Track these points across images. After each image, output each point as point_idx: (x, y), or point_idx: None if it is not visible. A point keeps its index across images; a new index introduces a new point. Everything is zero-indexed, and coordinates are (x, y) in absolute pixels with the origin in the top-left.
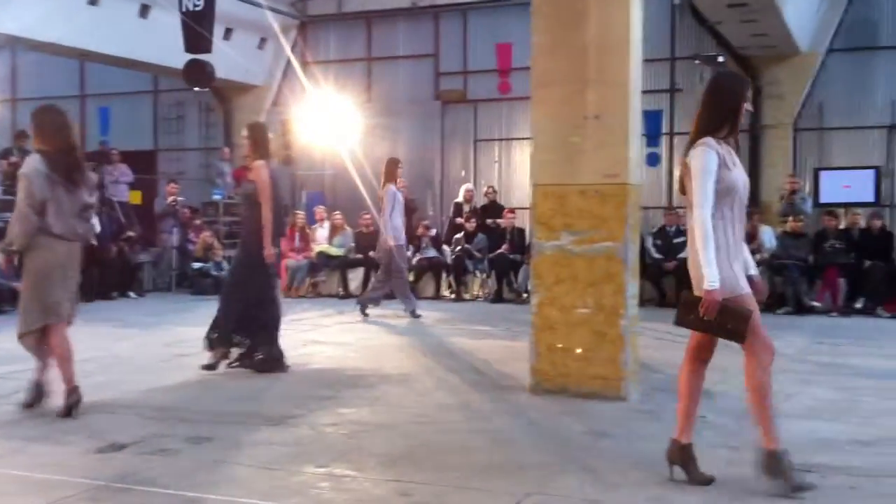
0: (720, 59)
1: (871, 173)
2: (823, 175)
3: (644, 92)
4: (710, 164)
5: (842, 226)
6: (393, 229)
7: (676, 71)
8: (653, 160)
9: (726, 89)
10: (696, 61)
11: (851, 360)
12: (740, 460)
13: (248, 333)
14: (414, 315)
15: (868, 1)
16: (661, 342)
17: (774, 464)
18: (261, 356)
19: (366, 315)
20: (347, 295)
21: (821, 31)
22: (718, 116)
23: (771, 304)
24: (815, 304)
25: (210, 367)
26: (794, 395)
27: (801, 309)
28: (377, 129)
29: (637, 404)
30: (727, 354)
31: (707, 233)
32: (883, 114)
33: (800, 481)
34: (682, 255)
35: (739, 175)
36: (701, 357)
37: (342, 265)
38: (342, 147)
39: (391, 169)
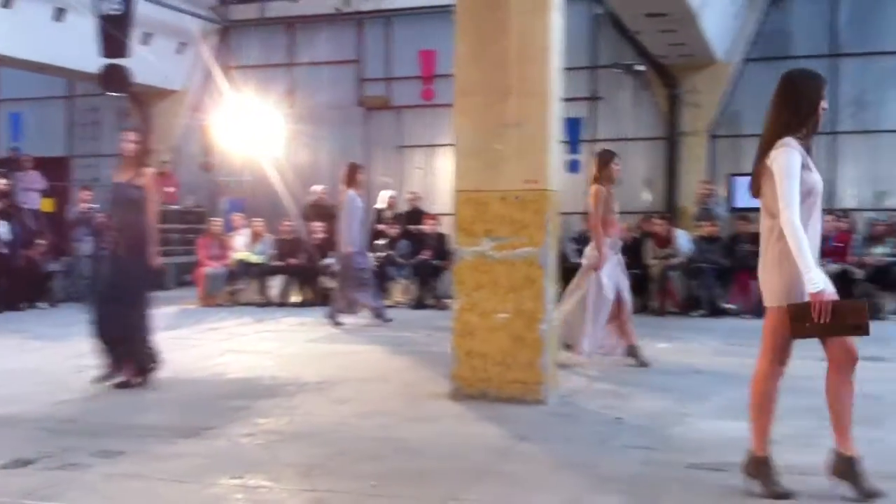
0: (639, 67)
1: None
2: (737, 180)
3: (565, 100)
4: (794, 164)
5: (755, 230)
6: (350, 236)
7: (597, 79)
8: (574, 167)
9: (803, 87)
10: (617, 70)
11: None
12: (655, 460)
13: (116, 344)
14: (384, 319)
15: (783, 12)
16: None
17: (849, 468)
18: (122, 378)
19: (339, 324)
20: (267, 303)
21: (737, 40)
22: (797, 116)
23: (686, 306)
24: (729, 306)
25: (105, 378)
26: (708, 395)
27: (716, 311)
28: (299, 134)
29: (556, 407)
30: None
31: (799, 236)
32: None
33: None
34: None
35: (818, 177)
36: (782, 360)
37: (262, 273)
38: (264, 153)
39: (352, 174)
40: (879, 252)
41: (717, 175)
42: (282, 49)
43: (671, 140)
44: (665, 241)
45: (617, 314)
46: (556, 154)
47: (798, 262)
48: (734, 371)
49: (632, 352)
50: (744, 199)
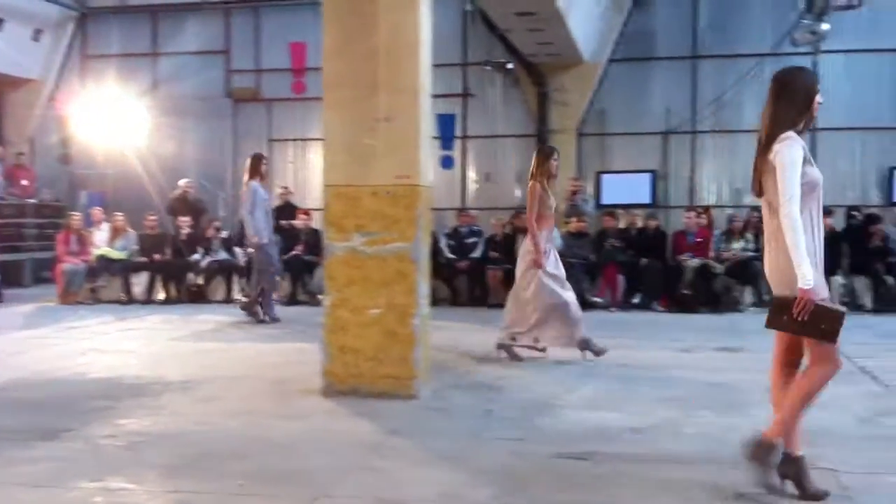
0: (509, 65)
1: (647, 176)
2: (605, 178)
3: (437, 96)
4: (798, 158)
5: (621, 226)
6: (255, 227)
7: (468, 76)
8: (447, 163)
9: (801, 82)
10: (487, 67)
11: (629, 353)
12: (524, 451)
13: None
14: (273, 320)
15: (645, 14)
16: (452, 340)
17: (765, 455)
18: None
19: (260, 319)
20: (130, 300)
21: (603, 41)
22: (795, 110)
23: None
24: (597, 299)
25: None
26: (576, 387)
27: (584, 305)
28: (165, 126)
29: (429, 402)
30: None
31: (798, 229)
32: (659, 120)
33: (780, 485)
34: (474, 255)
35: (819, 172)
36: (791, 360)
37: (124, 269)
38: (126, 145)
39: (255, 164)
40: (737, 247)
41: (584, 172)
42: (145, 38)
43: (541, 137)
44: None
45: None
46: (428, 150)
47: (792, 255)
48: (600, 363)
49: (521, 343)
50: (611, 196)
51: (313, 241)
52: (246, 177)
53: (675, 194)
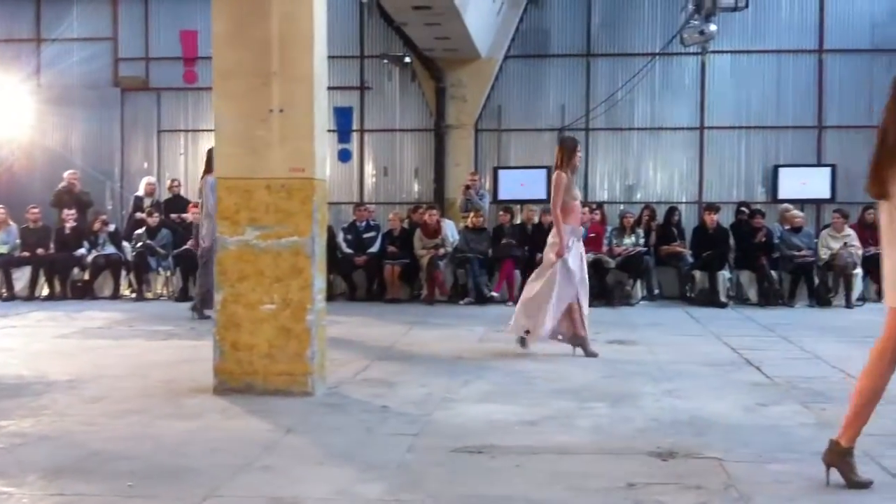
0: (407, 59)
1: (543, 172)
2: (501, 173)
3: (334, 88)
4: None
5: (517, 221)
6: (213, 225)
7: (365, 69)
8: (345, 156)
9: None
10: (385, 61)
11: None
12: (420, 446)
13: None
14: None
15: (540, 12)
16: (350, 335)
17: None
18: None
19: (206, 317)
20: (12, 296)
21: (499, 37)
22: None
23: (453, 295)
24: (494, 294)
25: None
26: (472, 381)
27: (482, 299)
28: (49, 115)
29: (324, 398)
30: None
31: None
32: (554, 117)
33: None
34: (372, 250)
35: None
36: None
37: (5, 264)
38: (7, 135)
39: (213, 159)
40: (629, 242)
41: (482, 167)
42: (28, 23)
43: (438, 132)
44: (433, 232)
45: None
46: (324, 142)
47: None
48: (497, 356)
49: (578, 342)
50: (508, 192)
51: None
52: (203, 171)
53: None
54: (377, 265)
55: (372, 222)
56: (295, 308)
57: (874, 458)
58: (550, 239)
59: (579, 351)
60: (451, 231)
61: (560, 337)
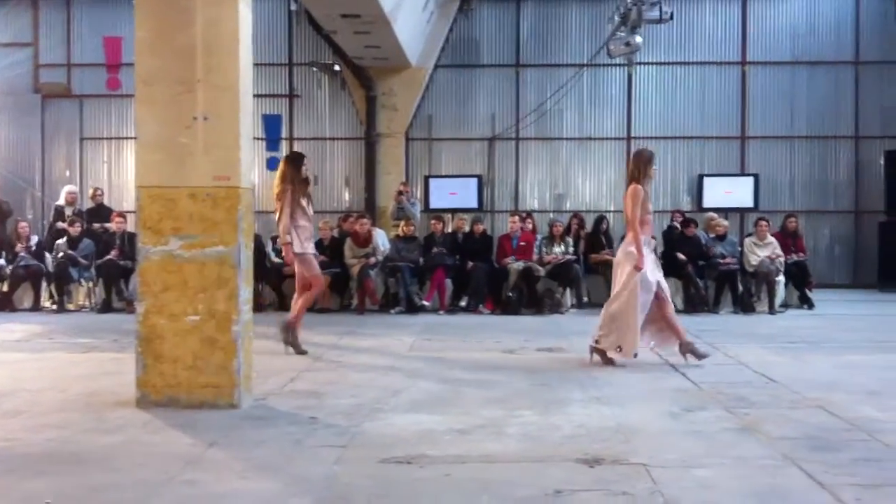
0: (336, 67)
1: (474, 181)
2: (432, 182)
3: (263, 96)
4: None
5: (448, 230)
6: None
7: (294, 77)
8: (273, 164)
9: None
10: (314, 68)
11: (455, 355)
12: (348, 458)
13: None
14: None
15: (470, 22)
16: (278, 347)
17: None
18: None
19: None
20: None
21: (429, 46)
22: None
23: (384, 304)
24: (425, 303)
25: None
26: (402, 390)
27: (413, 308)
28: None
29: (250, 410)
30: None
31: None
32: (484, 126)
33: None
34: None
35: None
36: None
37: None
38: None
39: None
40: (559, 251)
41: (412, 176)
42: None
43: (369, 141)
44: (364, 240)
45: (661, 312)
46: (249, 150)
47: None
48: (427, 365)
49: (686, 348)
50: (438, 201)
51: (129, 245)
52: None
53: (500, 199)
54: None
55: None
56: (220, 319)
57: (795, 461)
58: (625, 251)
59: (691, 359)
60: (381, 240)
61: (652, 345)
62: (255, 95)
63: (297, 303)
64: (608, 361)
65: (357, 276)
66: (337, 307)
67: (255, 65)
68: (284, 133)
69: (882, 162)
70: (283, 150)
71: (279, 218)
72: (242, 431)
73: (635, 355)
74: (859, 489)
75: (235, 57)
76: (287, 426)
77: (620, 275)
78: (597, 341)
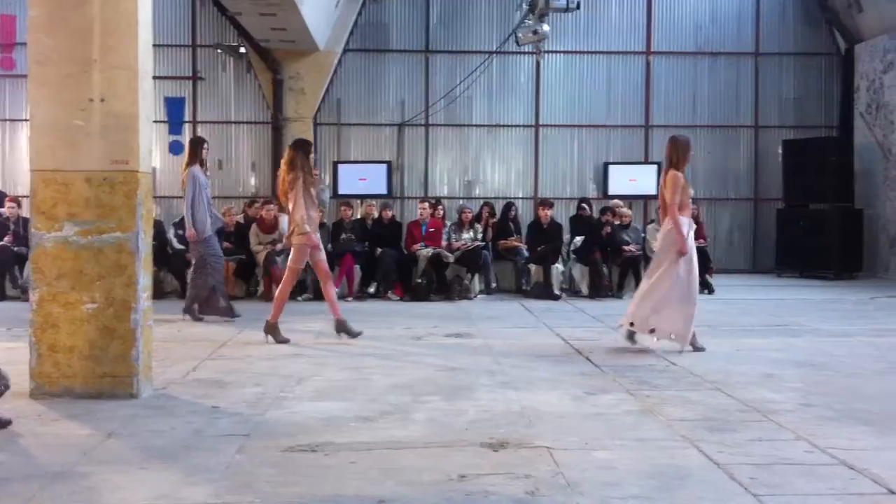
0: (242, 49)
1: (383, 167)
2: (341, 168)
3: (165, 78)
4: None
5: (357, 216)
6: (198, 219)
7: (198, 59)
8: (176, 148)
9: None
10: (219, 51)
11: (363, 342)
12: (251, 447)
13: None
14: (233, 315)
15: (379, 6)
16: (180, 335)
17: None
18: None
19: (199, 319)
20: None
21: (337, 30)
22: None
23: (293, 292)
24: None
25: None
26: (307, 378)
27: (321, 295)
28: None
29: (150, 400)
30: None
31: None
32: (394, 112)
33: None
34: None
35: None
36: None
37: None
38: None
39: (195, 149)
40: (468, 237)
41: (321, 162)
42: None
43: (276, 125)
44: (271, 227)
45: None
46: (149, 133)
47: None
48: (333, 352)
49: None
50: (348, 186)
51: (24, 231)
52: (185, 162)
53: (410, 185)
54: None
55: None
56: (118, 307)
57: (693, 441)
58: (664, 236)
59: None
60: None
61: (673, 336)
62: (156, 77)
63: (328, 294)
64: (634, 342)
65: (263, 262)
66: (242, 294)
67: (157, 46)
68: (187, 116)
69: (780, 151)
70: (186, 133)
71: (294, 208)
72: (142, 421)
73: (694, 345)
74: (753, 468)
75: (134, 37)
76: (188, 416)
77: (662, 260)
78: (632, 324)
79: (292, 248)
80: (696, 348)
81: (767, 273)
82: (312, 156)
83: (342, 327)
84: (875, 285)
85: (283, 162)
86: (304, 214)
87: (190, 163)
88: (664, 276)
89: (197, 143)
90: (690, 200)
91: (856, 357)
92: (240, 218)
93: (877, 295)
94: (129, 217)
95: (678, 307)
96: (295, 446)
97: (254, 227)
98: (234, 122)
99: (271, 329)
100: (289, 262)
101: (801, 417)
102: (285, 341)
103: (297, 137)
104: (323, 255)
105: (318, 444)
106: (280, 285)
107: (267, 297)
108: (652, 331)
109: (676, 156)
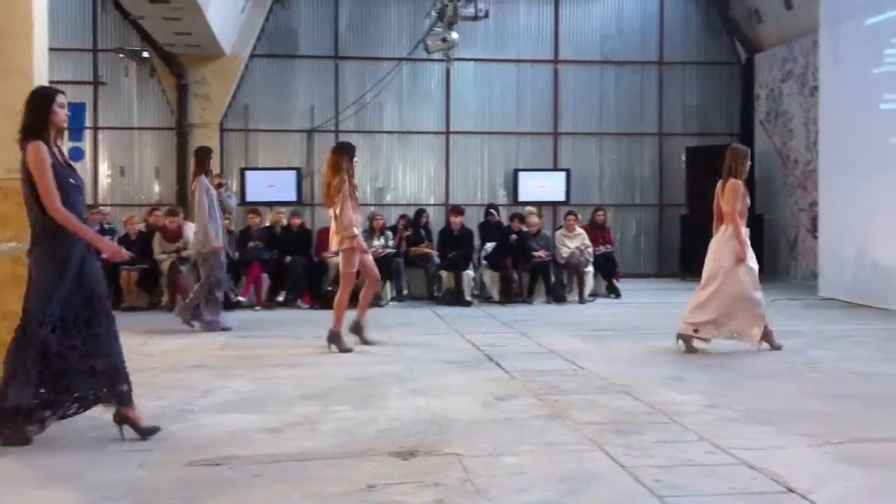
0: (145, 54)
1: (293, 174)
2: (249, 174)
3: (64, 83)
4: None
5: (266, 223)
6: (214, 229)
7: (99, 63)
8: (76, 155)
9: None
10: (121, 55)
11: (271, 352)
12: (153, 462)
13: None
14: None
15: (287, 10)
16: None
17: None
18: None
19: (192, 326)
20: None
21: (244, 35)
22: None
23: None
24: (241, 299)
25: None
26: (213, 390)
27: (229, 304)
28: None
29: None
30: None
31: None
32: (303, 118)
33: None
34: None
35: None
36: None
37: None
38: None
39: (203, 158)
40: (378, 244)
41: (228, 168)
42: None
43: (181, 131)
44: (175, 235)
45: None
46: None
47: None
48: (240, 363)
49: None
50: (256, 194)
51: None
52: (193, 173)
53: (319, 192)
54: (113, 271)
55: (107, 226)
56: (14, 320)
57: (600, 445)
58: (724, 243)
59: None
60: (193, 234)
61: (736, 335)
62: (54, 82)
63: (365, 295)
64: (692, 349)
65: (167, 272)
66: (146, 305)
67: (55, 49)
68: (88, 122)
69: (683, 158)
70: (87, 139)
71: (341, 212)
72: (39, 438)
73: (775, 343)
74: (657, 470)
75: (28, 40)
76: (89, 431)
77: (718, 265)
78: (696, 330)
79: (341, 254)
80: (774, 346)
81: (672, 277)
82: (356, 159)
83: (357, 329)
84: (776, 288)
85: (326, 166)
86: (352, 218)
87: (198, 173)
88: (729, 281)
89: (205, 153)
90: (746, 209)
91: (758, 358)
92: (142, 226)
93: (777, 298)
94: (25, 228)
95: (748, 309)
96: (199, 460)
97: (157, 235)
98: (138, 129)
99: (335, 337)
100: (341, 268)
101: (704, 419)
102: (349, 350)
103: (343, 141)
104: (370, 258)
105: (222, 457)
106: (338, 293)
107: (171, 307)
108: (736, 334)
109: (735, 164)
